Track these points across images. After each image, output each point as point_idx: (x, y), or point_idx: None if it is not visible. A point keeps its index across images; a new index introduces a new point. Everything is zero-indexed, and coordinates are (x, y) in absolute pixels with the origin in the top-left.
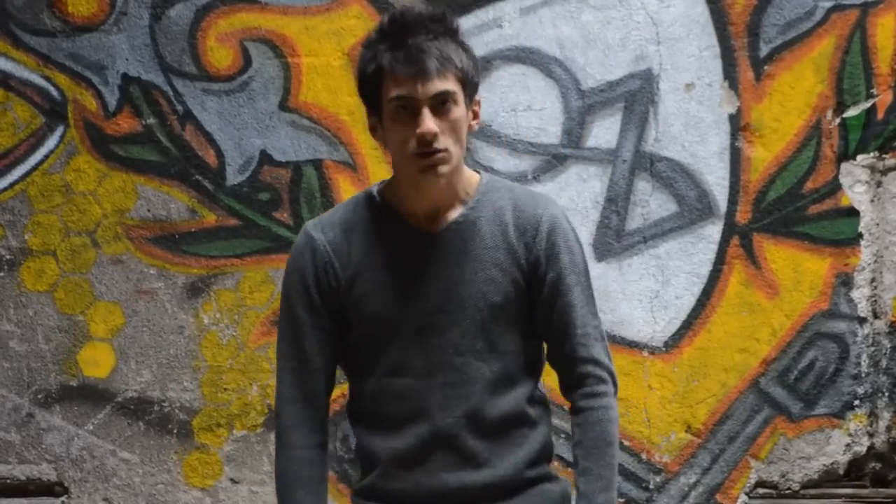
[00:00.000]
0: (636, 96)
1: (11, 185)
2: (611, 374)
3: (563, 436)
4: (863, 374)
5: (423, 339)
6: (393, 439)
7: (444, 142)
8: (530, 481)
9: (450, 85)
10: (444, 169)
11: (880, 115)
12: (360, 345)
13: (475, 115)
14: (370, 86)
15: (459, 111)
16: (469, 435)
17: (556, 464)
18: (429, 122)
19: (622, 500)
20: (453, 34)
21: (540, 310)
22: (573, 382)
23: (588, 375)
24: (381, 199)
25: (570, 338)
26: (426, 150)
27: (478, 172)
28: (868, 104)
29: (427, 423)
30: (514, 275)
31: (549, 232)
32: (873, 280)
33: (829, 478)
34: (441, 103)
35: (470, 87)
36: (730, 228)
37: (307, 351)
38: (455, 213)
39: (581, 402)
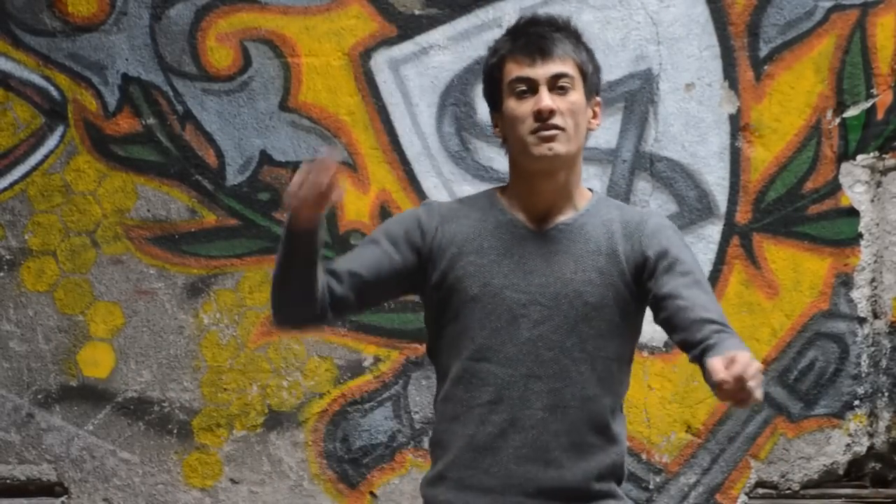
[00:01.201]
0: (636, 96)
1: (11, 185)
2: None
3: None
4: (863, 375)
5: (514, 328)
6: (470, 425)
7: (561, 121)
8: (596, 494)
9: (569, 69)
10: (558, 147)
11: (880, 115)
12: (448, 327)
13: (594, 115)
14: (492, 75)
15: (578, 96)
16: (545, 431)
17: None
18: (546, 99)
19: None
20: (577, 36)
21: (656, 285)
22: (704, 336)
23: (720, 331)
24: (497, 198)
25: (698, 308)
26: (543, 126)
27: (590, 190)
28: (868, 104)
29: (506, 412)
30: (615, 280)
31: (654, 231)
32: (873, 280)
33: (829, 478)
34: (559, 87)
35: (590, 82)
36: (730, 228)
37: (360, 260)
38: (564, 217)
39: (717, 334)
